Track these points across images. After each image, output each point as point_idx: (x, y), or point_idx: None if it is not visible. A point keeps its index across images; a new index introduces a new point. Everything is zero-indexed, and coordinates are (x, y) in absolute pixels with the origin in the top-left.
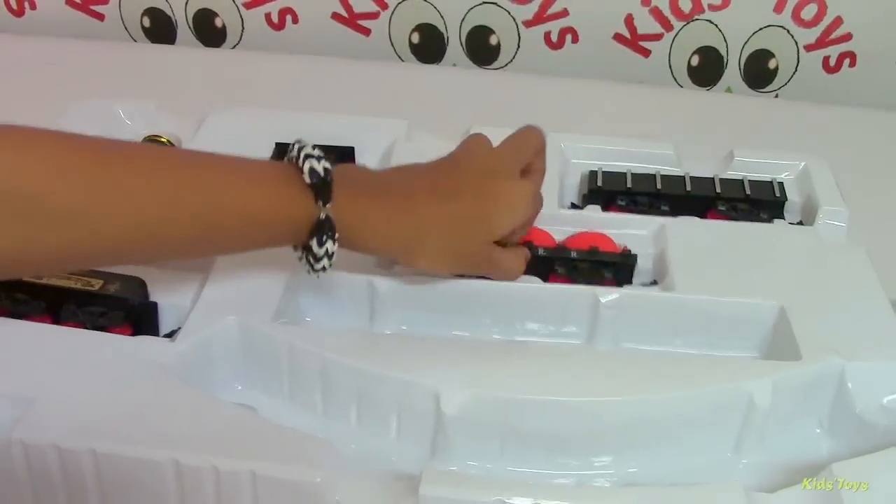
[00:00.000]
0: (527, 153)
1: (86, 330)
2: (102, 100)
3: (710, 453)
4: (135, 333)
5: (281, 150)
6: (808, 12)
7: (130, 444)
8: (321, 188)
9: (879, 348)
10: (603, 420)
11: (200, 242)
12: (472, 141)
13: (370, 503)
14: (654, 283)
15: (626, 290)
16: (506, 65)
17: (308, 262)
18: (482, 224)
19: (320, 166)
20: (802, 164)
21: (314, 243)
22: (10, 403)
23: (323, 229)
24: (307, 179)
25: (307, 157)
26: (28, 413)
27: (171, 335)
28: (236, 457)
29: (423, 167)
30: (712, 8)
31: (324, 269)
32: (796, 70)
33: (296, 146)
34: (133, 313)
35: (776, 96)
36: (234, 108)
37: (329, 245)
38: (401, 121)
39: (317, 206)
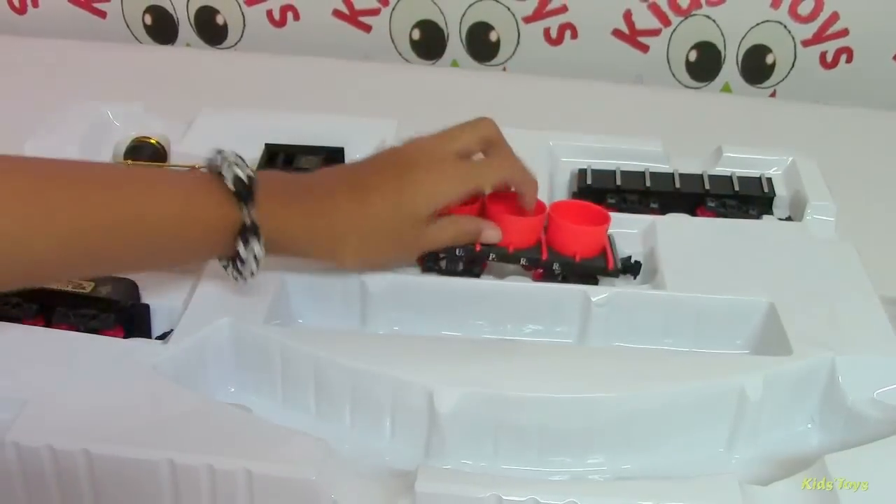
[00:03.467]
0: (466, 139)
1: (78, 332)
2: (90, 101)
3: (703, 449)
4: (127, 336)
5: (271, 151)
6: (805, 8)
7: (124, 445)
8: (244, 193)
9: (869, 342)
10: (596, 417)
11: (127, 256)
12: (415, 137)
13: (366, 500)
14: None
15: (616, 289)
16: (506, 61)
17: (235, 269)
18: (402, 212)
19: (243, 173)
20: (790, 159)
21: (241, 248)
22: (4, 406)
23: (248, 234)
24: (230, 186)
25: (230, 164)
26: (22, 415)
27: (163, 337)
28: (231, 455)
29: (348, 166)
30: (710, 3)
31: (252, 273)
32: (793, 66)
33: (218, 155)
34: (125, 315)
35: (773, 92)
36: (223, 109)
37: (256, 249)
38: (390, 120)
39: (241, 212)
